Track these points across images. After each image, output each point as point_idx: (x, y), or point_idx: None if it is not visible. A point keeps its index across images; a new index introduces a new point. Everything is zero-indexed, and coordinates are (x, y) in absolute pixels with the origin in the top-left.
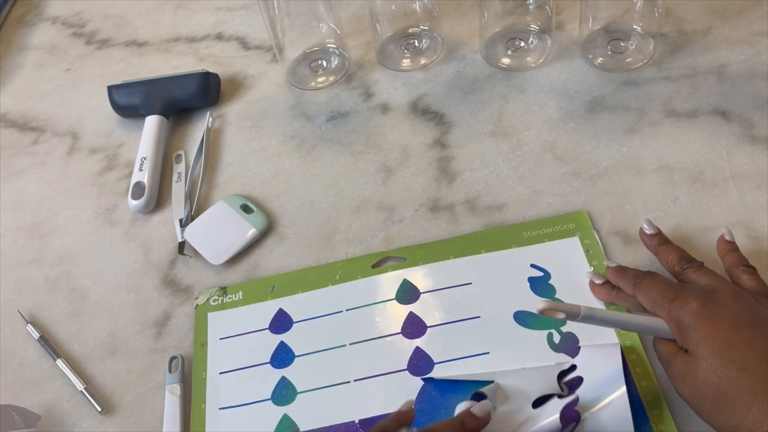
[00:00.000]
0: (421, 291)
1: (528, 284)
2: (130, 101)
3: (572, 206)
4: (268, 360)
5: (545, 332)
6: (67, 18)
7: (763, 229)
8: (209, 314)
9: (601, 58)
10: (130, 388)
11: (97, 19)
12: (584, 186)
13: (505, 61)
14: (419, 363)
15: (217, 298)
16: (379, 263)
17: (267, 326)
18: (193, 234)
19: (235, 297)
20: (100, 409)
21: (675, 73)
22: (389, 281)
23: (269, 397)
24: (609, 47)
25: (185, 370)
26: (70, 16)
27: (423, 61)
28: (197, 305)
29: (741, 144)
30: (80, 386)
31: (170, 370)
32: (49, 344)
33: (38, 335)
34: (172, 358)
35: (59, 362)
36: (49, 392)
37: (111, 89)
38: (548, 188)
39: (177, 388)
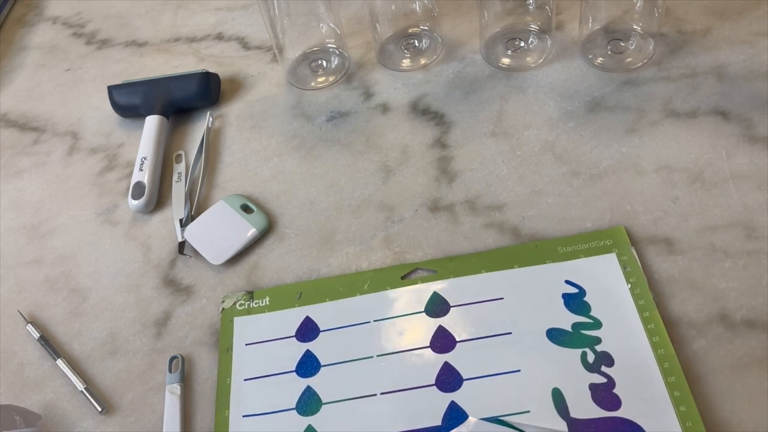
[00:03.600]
0: (451, 304)
1: (562, 301)
2: (130, 101)
3: (572, 206)
4: (294, 368)
5: (579, 351)
6: (67, 18)
7: (763, 229)
8: (235, 319)
9: (601, 58)
10: (130, 388)
11: (97, 19)
12: (584, 186)
13: (505, 61)
14: (447, 379)
15: (243, 302)
16: (409, 274)
17: (293, 334)
18: (193, 234)
19: (262, 302)
20: (100, 409)
21: (675, 73)
22: (419, 293)
23: (294, 406)
24: (609, 47)
25: (185, 371)
26: (71, 16)
27: (423, 61)
28: (223, 309)
29: (741, 144)
30: (80, 386)
31: (170, 370)
32: (49, 344)
33: (38, 335)
34: (172, 358)
35: (59, 362)
36: (49, 392)
37: (111, 89)
38: (548, 188)
39: (177, 388)
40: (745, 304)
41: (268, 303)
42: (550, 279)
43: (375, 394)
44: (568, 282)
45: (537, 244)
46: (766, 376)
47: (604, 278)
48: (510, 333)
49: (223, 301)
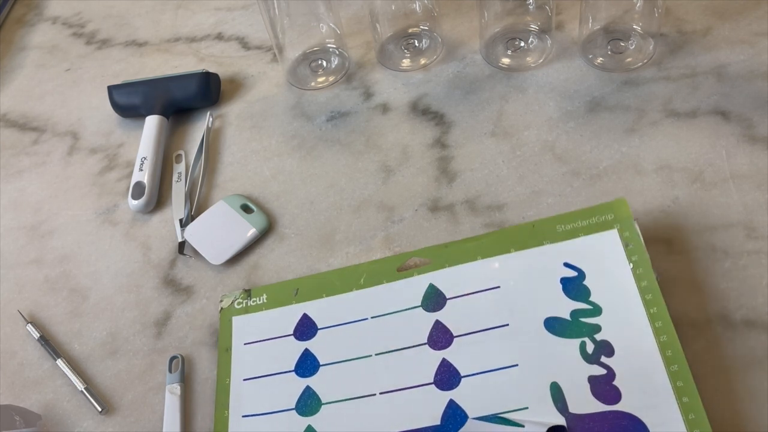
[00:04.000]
0: (447, 297)
1: (560, 286)
2: (130, 101)
3: (572, 206)
4: (293, 368)
5: (578, 341)
6: (67, 18)
7: (763, 229)
8: (234, 318)
9: (601, 58)
10: (130, 388)
11: (97, 19)
12: (584, 186)
13: (505, 61)
14: (446, 376)
15: (241, 301)
16: (404, 265)
17: (291, 332)
18: (193, 234)
19: (260, 300)
20: (100, 409)
21: (675, 73)
22: (415, 286)
23: (293, 407)
24: (609, 47)
25: (185, 371)
26: (70, 16)
27: (423, 61)
28: (222, 308)
29: (741, 144)
30: (80, 386)
31: (170, 370)
32: (49, 344)
33: (38, 335)
34: (172, 358)
35: (59, 362)
36: (49, 392)
37: (111, 89)
38: (548, 188)
39: (177, 388)
40: (745, 304)
41: (265, 300)
42: (548, 262)
43: (374, 394)
44: (566, 265)
45: (534, 224)
46: (766, 376)
47: (605, 258)
48: (507, 325)
49: (221, 301)
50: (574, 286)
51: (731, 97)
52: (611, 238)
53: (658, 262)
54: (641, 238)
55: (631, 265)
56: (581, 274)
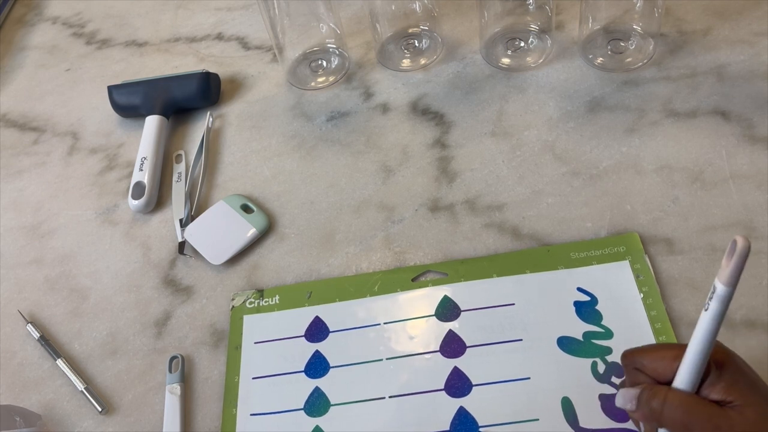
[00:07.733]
0: (461, 309)
1: (573, 308)
2: (130, 101)
3: (572, 206)
4: (303, 369)
5: (589, 360)
6: (67, 18)
7: (763, 229)
8: (245, 317)
9: (601, 58)
10: (130, 388)
11: (97, 19)
12: (584, 186)
13: (505, 61)
14: (457, 384)
15: (253, 300)
16: (419, 277)
17: (303, 333)
18: (193, 234)
19: (272, 301)
20: (100, 409)
21: (675, 73)
22: (429, 296)
23: (302, 407)
24: (609, 47)
25: (185, 371)
26: (70, 16)
27: (423, 61)
28: (233, 307)
29: (741, 144)
30: (80, 386)
31: (170, 370)
32: (49, 344)
33: (38, 335)
34: (172, 358)
35: (59, 362)
36: (49, 392)
37: (111, 89)
38: (548, 188)
39: (177, 388)
40: (745, 304)
41: (277, 301)
42: (561, 286)
43: (384, 397)
44: (579, 289)
45: (549, 249)
46: (766, 377)
47: (617, 287)
48: (521, 340)
49: (233, 299)
50: (587, 309)
51: (731, 97)
52: (623, 269)
53: (659, 262)
54: (652, 271)
55: (642, 294)
56: (594, 300)
